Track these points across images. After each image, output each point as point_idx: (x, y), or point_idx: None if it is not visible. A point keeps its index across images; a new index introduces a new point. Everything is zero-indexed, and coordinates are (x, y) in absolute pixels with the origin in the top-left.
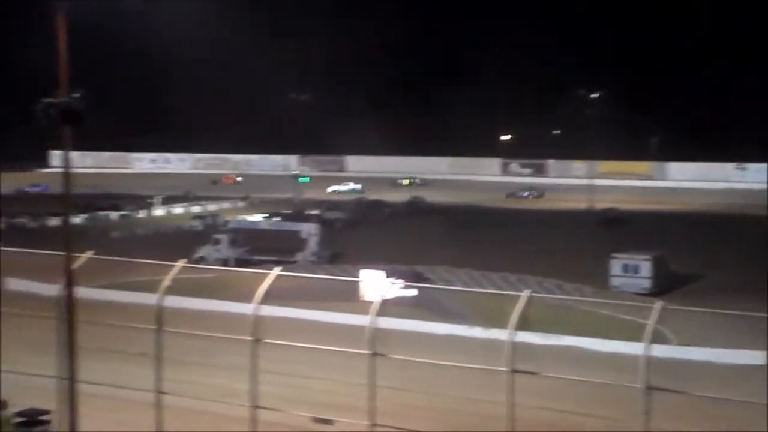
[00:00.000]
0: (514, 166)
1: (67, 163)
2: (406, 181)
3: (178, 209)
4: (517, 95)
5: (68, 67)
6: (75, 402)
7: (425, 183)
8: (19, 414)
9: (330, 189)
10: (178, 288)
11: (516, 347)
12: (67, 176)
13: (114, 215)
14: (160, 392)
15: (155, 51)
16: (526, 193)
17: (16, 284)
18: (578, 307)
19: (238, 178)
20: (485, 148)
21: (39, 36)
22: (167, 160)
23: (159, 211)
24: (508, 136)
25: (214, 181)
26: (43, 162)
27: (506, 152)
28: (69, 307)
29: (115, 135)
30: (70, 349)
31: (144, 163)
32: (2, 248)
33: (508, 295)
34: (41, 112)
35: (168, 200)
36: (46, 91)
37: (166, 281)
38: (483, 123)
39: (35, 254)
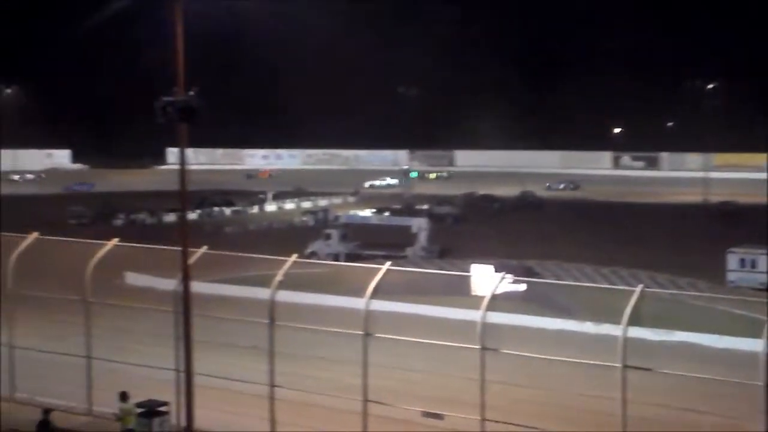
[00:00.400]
0: (626, 159)
1: (183, 160)
2: (433, 175)
3: (289, 205)
4: (631, 87)
5: (185, 66)
6: (191, 394)
7: (451, 176)
8: (139, 405)
9: (367, 184)
10: (290, 283)
11: (629, 343)
12: (183, 173)
13: (227, 211)
14: (272, 385)
15: (267, 47)
16: (561, 185)
17: (134, 279)
18: (692, 302)
19: (271, 173)
20: (596, 141)
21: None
22: (278, 156)
23: (271, 207)
24: (620, 129)
25: (249, 175)
26: (161, 159)
27: (618, 145)
28: (185, 301)
29: (229, 132)
30: (186, 343)
31: (256, 159)
32: (121, 244)
33: (620, 290)
34: (159, 110)
35: (279, 196)
36: (163, 90)
37: (279, 276)
38: (594, 115)
39: (153, 249)
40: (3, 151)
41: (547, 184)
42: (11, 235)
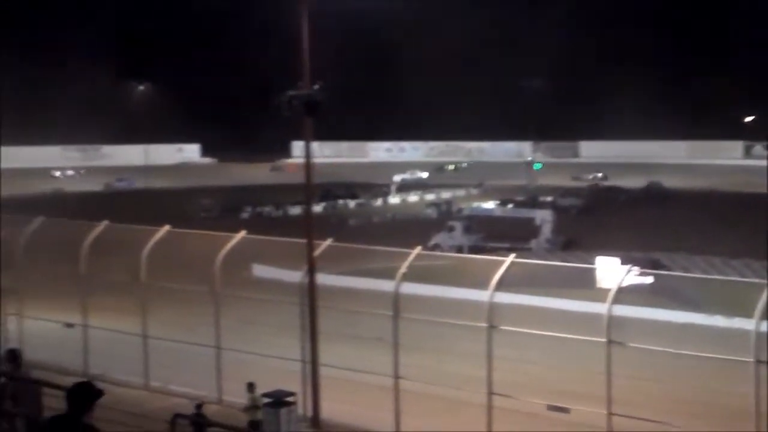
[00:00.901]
0: (758, 148)
1: (308, 153)
2: (451, 167)
3: (412, 197)
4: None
5: (310, 60)
6: (317, 384)
7: (470, 166)
8: (267, 395)
9: (396, 177)
10: (413, 275)
11: (761, 337)
12: (308, 166)
13: (351, 204)
14: (397, 377)
15: (391, 40)
16: (590, 176)
17: (261, 271)
18: None
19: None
20: (726, 130)
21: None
22: (402, 148)
23: (394, 199)
24: (752, 117)
25: (275, 168)
26: (286, 152)
27: (750, 134)
28: (310, 292)
29: (353, 125)
30: (312, 334)
31: (379, 152)
32: (249, 236)
33: (751, 282)
34: (285, 103)
35: (402, 188)
36: (289, 84)
37: (403, 268)
38: (724, 104)
39: (279, 242)
40: (137, 146)
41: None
42: (145, 228)
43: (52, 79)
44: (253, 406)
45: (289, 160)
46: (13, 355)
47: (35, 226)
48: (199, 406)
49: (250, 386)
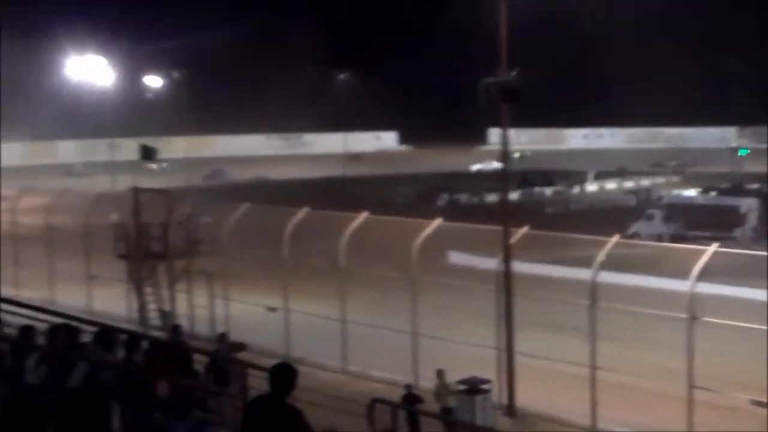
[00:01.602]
0: None
1: (505, 141)
2: (517, 154)
3: (610, 184)
4: None
5: (508, 46)
6: (512, 372)
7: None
8: (462, 382)
9: (474, 168)
10: (611, 263)
11: None
12: (505, 153)
13: (548, 191)
14: (593, 367)
15: (589, 25)
16: (673, 163)
17: (457, 258)
18: None
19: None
20: None
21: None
22: (600, 135)
23: (592, 187)
24: None
25: (354, 158)
26: (482, 139)
27: None
28: (506, 280)
29: (550, 111)
30: (507, 322)
31: (576, 139)
32: (445, 223)
33: None
34: (482, 90)
35: (600, 176)
36: (486, 70)
37: (600, 256)
38: None
39: (475, 229)
40: (336, 134)
41: None
42: (344, 214)
43: (265, 69)
44: (443, 393)
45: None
46: (222, 338)
47: (241, 213)
48: (409, 389)
49: (440, 373)
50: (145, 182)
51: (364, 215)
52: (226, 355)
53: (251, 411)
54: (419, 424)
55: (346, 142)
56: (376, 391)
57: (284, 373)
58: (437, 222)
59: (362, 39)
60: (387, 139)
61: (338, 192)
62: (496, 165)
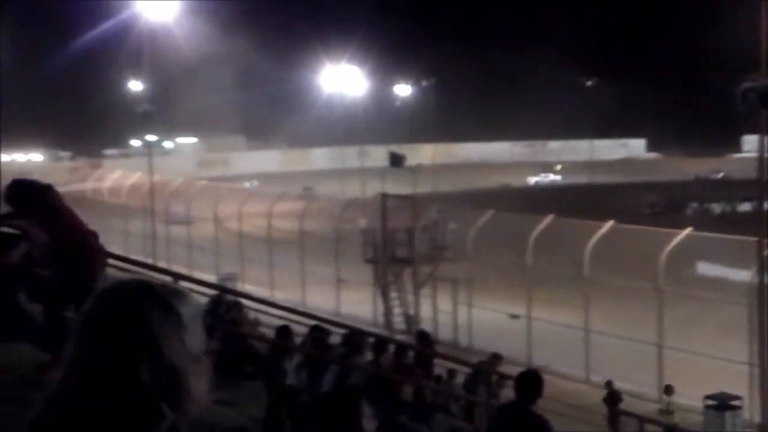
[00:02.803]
0: None
1: (762, 148)
2: (558, 167)
3: None
4: None
5: None
6: (766, 389)
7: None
8: (710, 397)
9: (532, 180)
10: None
11: None
12: (762, 160)
13: None
14: None
15: None
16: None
17: (706, 269)
18: None
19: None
20: None
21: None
22: None
23: None
24: None
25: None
26: (736, 147)
27: None
28: (760, 293)
29: None
30: (761, 336)
31: None
32: (694, 233)
33: None
34: (740, 96)
35: None
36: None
37: None
38: None
39: (726, 239)
40: (580, 141)
41: None
42: (589, 222)
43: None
44: (667, 410)
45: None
46: (423, 336)
47: (484, 219)
48: (609, 383)
49: (668, 389)
50: (394, 188)
51: (609, 224)
52: (489, 367)
53: (498, 418)
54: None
55: (592, 150)
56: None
57: (531, 381)
58: (686, 232)
59: (611, 46)
60: (635, 147)
61: (584, 199)
62: (552, 177)
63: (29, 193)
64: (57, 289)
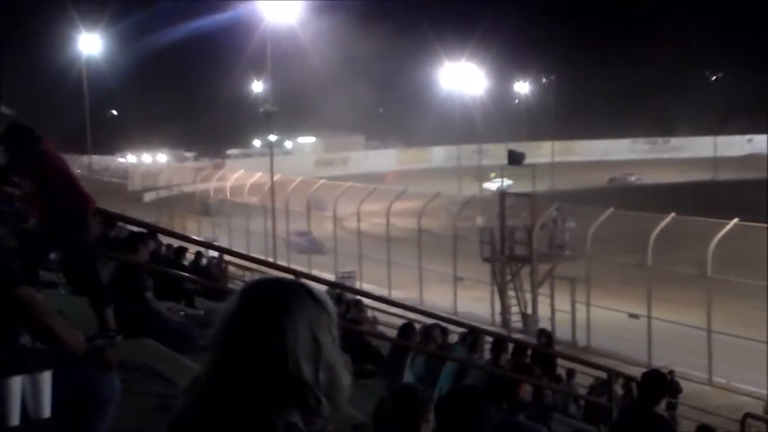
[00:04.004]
0: None
1: None
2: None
3: None
4: None
5: None
6: None
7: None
8: None
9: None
10: None
11: None
12: None
13: None
14: None
15: None
16: None
17: None
18: None
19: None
20: None
21: None
22: None
23: None
24: None
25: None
26: None
27: None
28: None
29: None
30: None
31: None
32: None
33: None
34: None
35: None
36: None
37: None
38: None
39: None
40: (704, 138)
41: None
42: (712, 221)
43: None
44: None
45: None
46: (545, 334)
47: (604, 217)
48: (671, 373)
49: None
50: (512, 186)
51: (733, 222)
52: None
53: (621, 419)
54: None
55: (715, 146)
56: (742, 404)
57: (655, 382)
58: None
59: (737, 40)
60: (760, 142)
61: (707, 197)
62: (507, 182)
63: (25, 140)
64: (43, 235)
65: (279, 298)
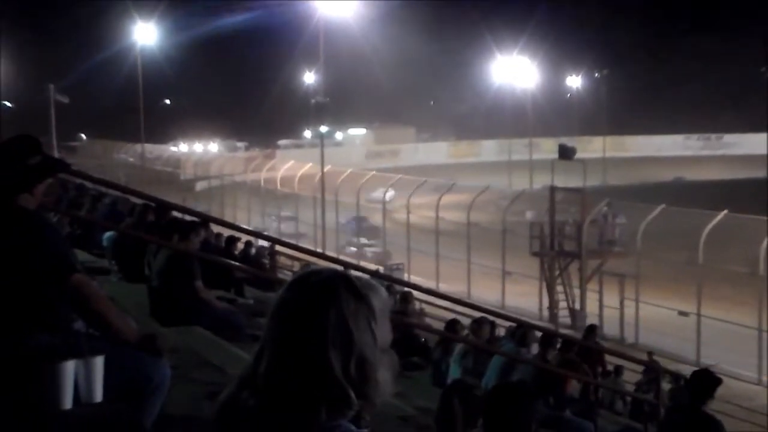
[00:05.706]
0: None
1: None
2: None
3: None
4: None
5: None
6: None
7: None
8: None
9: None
10: None
11: None
12: None
13: None
14: None
15: None
16: None
17: None
18: None
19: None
20: None
21: None
22: None
23: None
24: None
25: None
26: None
27: None
28: None
29: None
30: None
31: None
32: None
33: None
34: None
35: None
36: None
37: None
38: None
39: None
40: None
41: None
42: (765, 219)
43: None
44: None
45: None
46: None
47: (655, 214)
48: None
49: None
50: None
51: None
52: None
53: (669, 418)
54: None
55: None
56: None
57: (704, 381)
58: None
59: None
60: None
61: (760, 195)
62: (392, 193)
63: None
64: None
65: (319, 288)
